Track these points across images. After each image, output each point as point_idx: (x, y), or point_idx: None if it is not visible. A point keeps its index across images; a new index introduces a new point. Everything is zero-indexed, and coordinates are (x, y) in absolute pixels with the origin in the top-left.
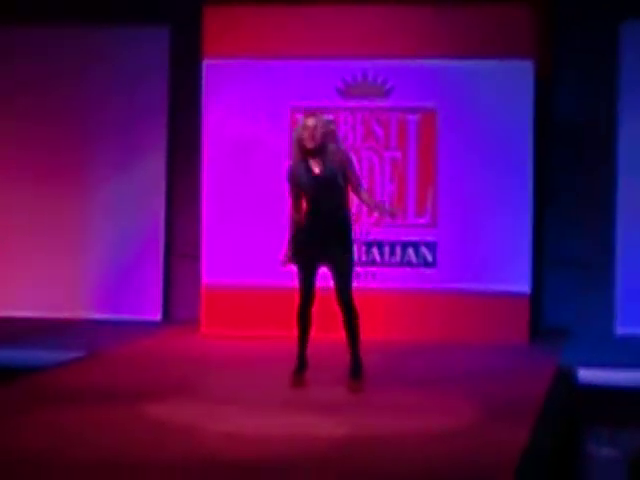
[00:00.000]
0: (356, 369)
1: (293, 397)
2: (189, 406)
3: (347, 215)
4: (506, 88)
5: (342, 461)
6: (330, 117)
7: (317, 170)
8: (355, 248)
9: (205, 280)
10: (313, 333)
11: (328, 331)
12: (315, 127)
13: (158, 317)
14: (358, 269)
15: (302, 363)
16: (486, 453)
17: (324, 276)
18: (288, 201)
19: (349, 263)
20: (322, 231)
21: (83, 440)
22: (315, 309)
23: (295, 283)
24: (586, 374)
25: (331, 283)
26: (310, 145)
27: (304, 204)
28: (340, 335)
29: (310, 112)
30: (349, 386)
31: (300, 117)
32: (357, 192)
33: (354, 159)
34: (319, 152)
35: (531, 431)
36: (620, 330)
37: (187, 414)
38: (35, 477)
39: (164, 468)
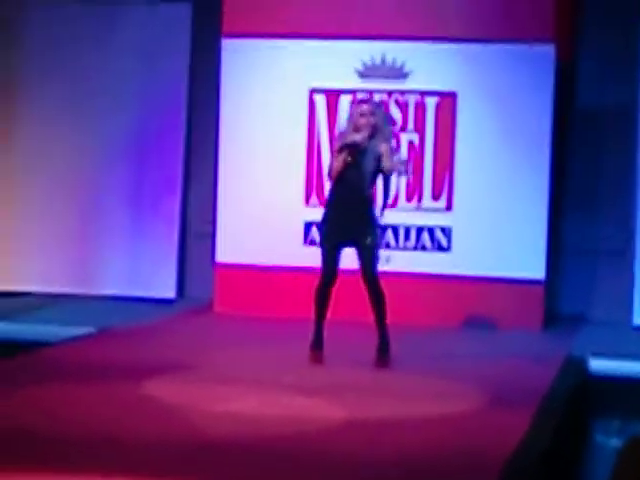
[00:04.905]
0: (383, 345)
1: (298, 379)
2: (192, 385)
3: (370, 196)
4: (527, 72)
5: (335, 445)
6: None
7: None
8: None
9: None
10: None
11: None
12: (372, 113)
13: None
14: None
15: (319, 341)
16: (479, 441)
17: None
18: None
19: (372, 241)
20: (346, 209)
21: (75, 416)
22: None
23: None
24: (598, 364)
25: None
26: (364, 130)
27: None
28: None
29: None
30: (376, 362)
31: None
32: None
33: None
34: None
35: (531, 419)
36: (638, 320)
37: (188, 393)
38: (22, 451)
39: (154, 445)
